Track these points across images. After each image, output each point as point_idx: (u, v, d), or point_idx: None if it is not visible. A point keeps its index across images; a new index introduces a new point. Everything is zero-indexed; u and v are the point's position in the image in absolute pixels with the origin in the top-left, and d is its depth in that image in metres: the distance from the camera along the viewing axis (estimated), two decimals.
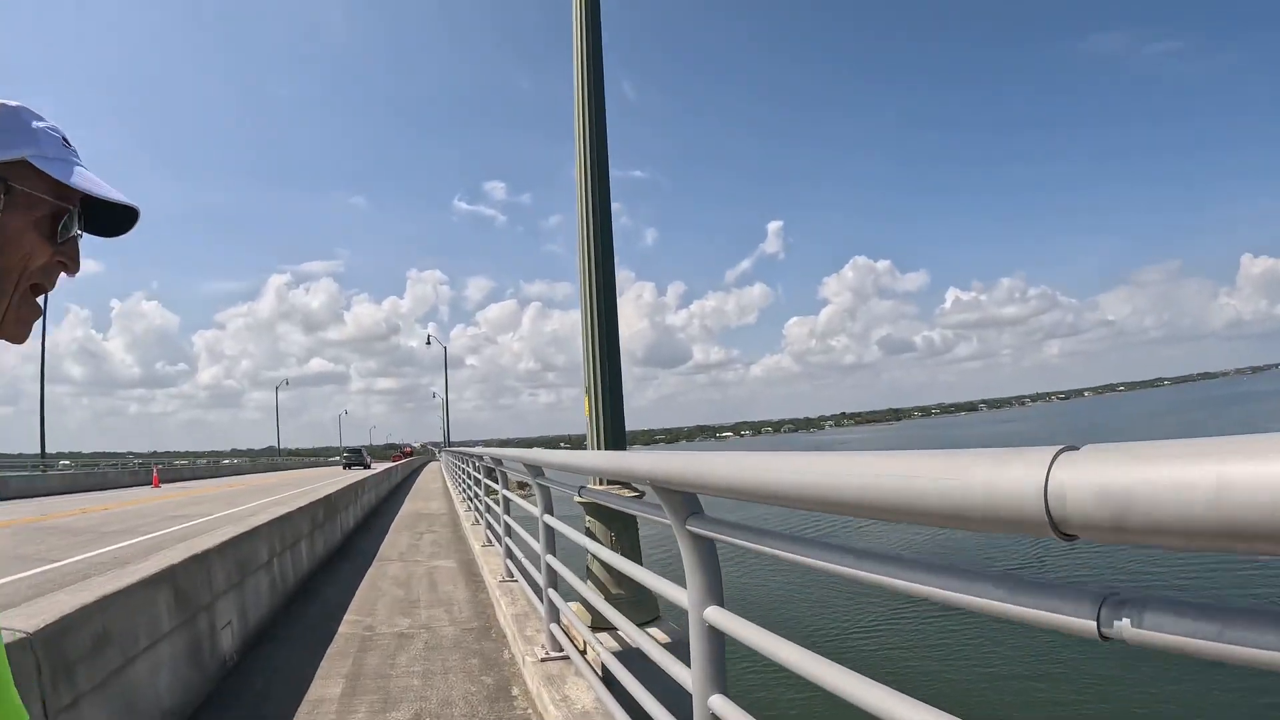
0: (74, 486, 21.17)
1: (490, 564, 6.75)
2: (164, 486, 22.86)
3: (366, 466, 36.44)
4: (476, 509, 10.14)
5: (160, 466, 27.77)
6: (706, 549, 1.76)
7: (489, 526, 7.86)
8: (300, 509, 7.16)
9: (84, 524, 10.00)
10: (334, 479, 18.82)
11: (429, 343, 35.79)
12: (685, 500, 1.79)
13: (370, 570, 7.59)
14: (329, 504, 8.90)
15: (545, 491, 3.95)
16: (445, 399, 39.13)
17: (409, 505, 16.45)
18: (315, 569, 7.43)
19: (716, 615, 1.70)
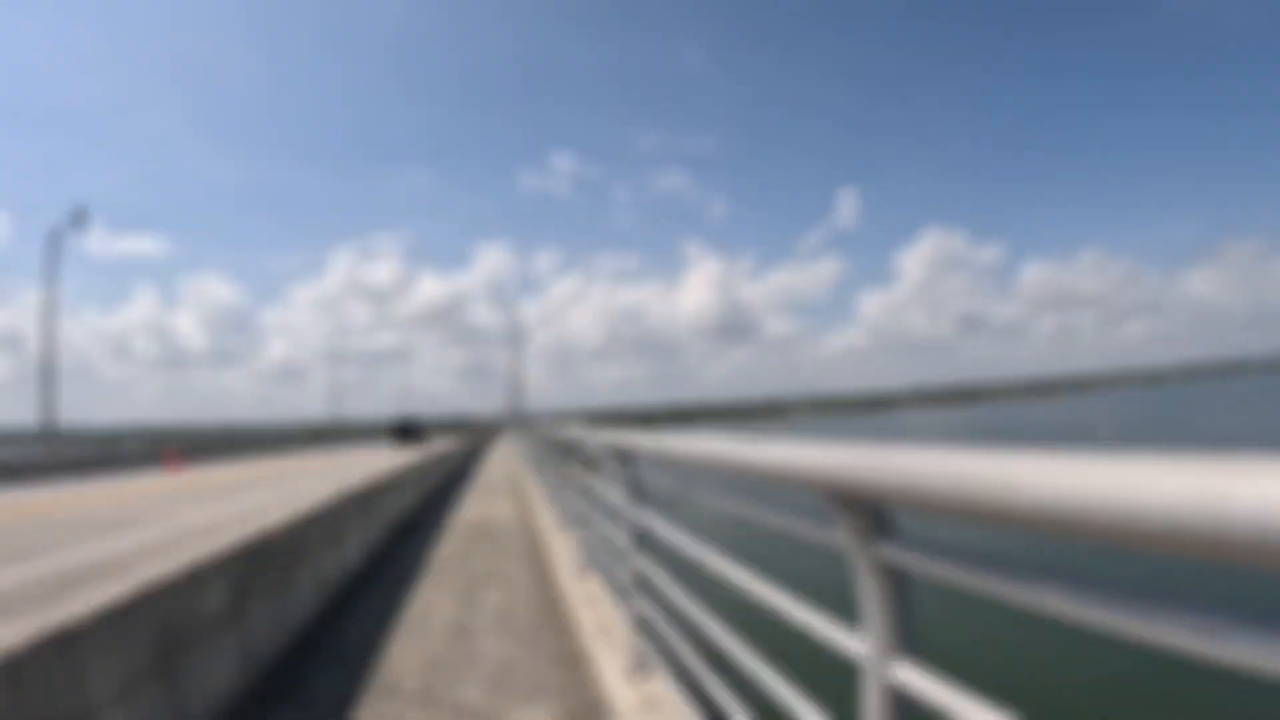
0: (74, 467, 16.75)
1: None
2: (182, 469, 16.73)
3: (421, 442, 29.62)
4: (550, 491, 9.51)
5: (173, 448, 21.18)
6: (897, 584, 1.26)
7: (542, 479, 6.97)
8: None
9: None
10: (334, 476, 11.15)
11: (501, 303, 33.66)
12: (874, 517, 1.27)
13: None
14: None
15: (635, 482, 3.38)
16: (518, 363, 36.16)
17: (466, 509, 10.47)
18: None
19: (909, 677, 1.18)
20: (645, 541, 3.31)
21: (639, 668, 3.33)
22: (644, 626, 3.34)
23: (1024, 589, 0.92)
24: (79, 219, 20.52)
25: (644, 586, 3.34)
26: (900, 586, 1.27)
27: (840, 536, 1.36)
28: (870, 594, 1.29)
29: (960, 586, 1.06)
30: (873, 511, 1.28)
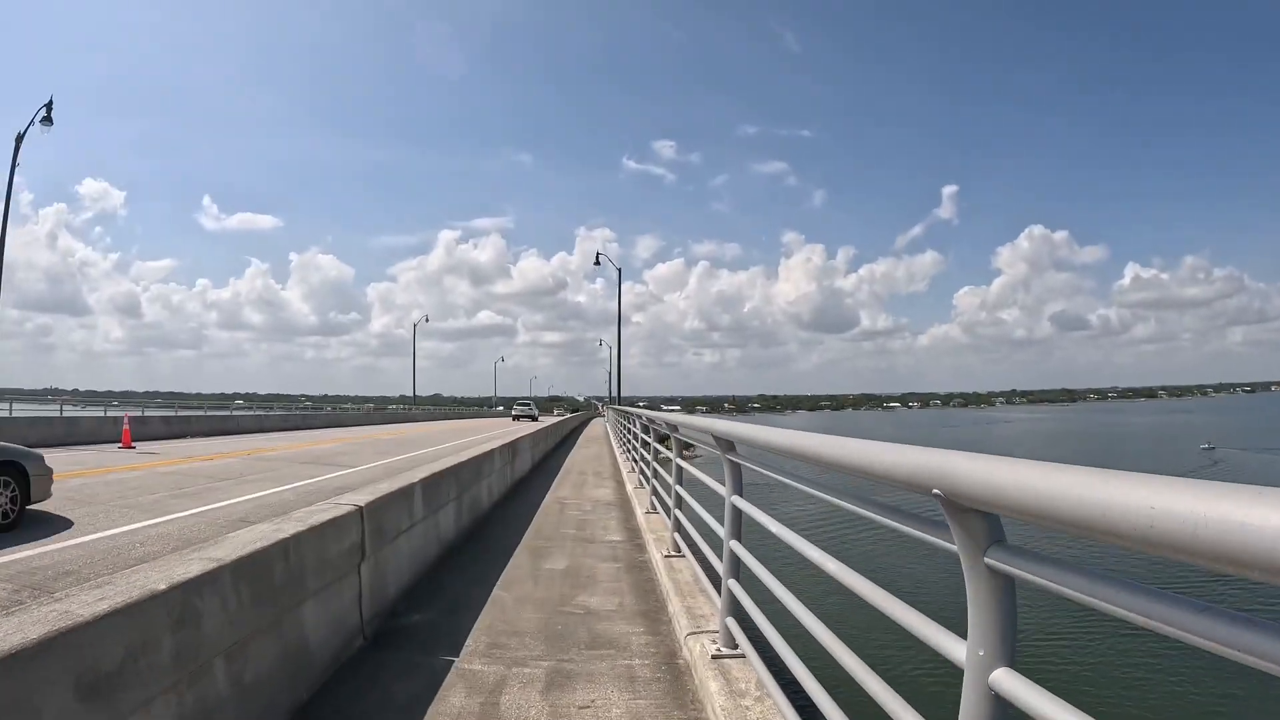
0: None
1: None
2: (244, 442, 16.80)
3: (535, 419, 39.39)
4: (642, 472, 9.90)
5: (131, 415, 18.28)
6: (1005, 591, 1.30)
7: (640, 470, 7.92)
8: None
9: None
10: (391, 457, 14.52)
11: (597, 262, 33.97)
12: (987, 523, 1.32)
13: None
14: None
15: (736, 470, 3.42)
16: (619, 335, 35.22)
17: (555, 492, 10.83)
18: None
19: (1009, 682, 1.24)
20: (740, 526, 3.41)
21: (674, 550, 3.55)
22: (680, 528, 3.74)
23: (1127, 606, 0.96)
24: (47, 116, 20.14)
25: (680, 503, 3.71)
26: (1007, 593, 1.30)
27: (955, 539, 1.39)
28: (978, 598, 1.32)
29: (1069, 599, 1.10)
30: (985, 518, 1.30)
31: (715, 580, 4.20)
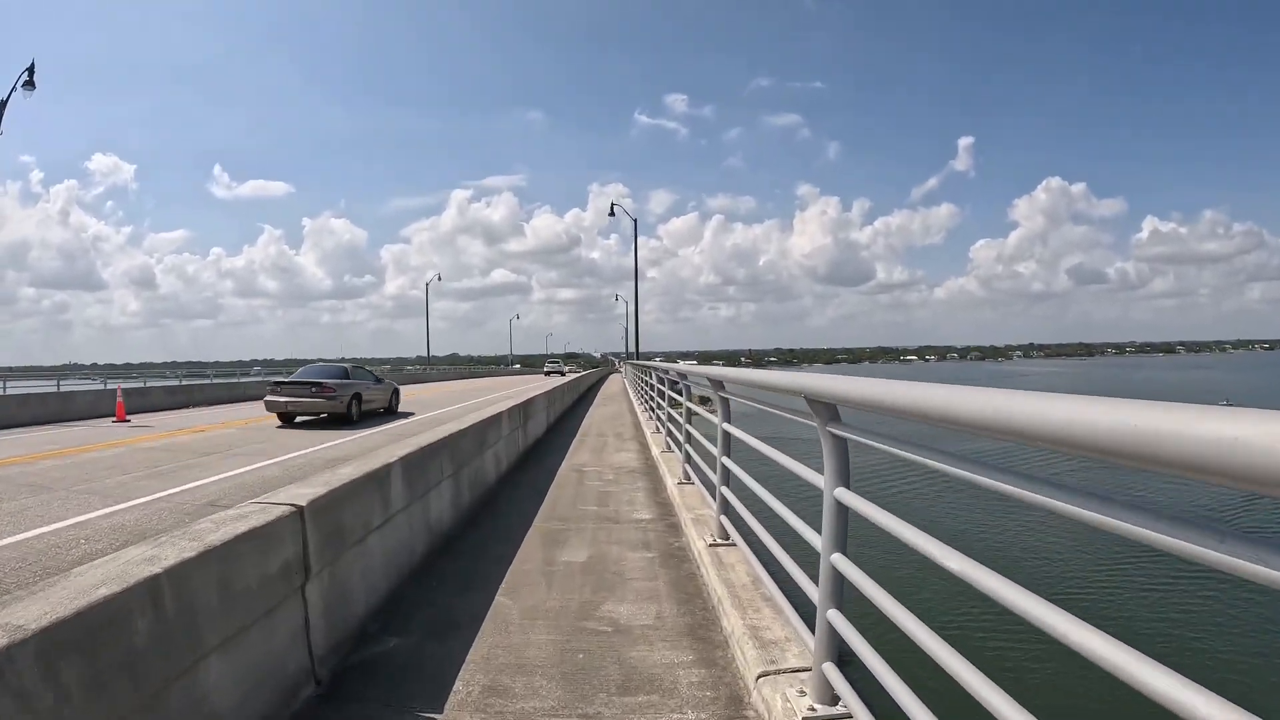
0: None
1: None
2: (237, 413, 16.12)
3: (563, 375, 45.35)
4: (659, 420, 9.52)
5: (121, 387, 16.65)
6: (841, 446, 2.28)
7: (670, 434, 8.52)
8: None
9: None
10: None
11: (612, 213, 32.29)
12: (828, 409, 2.26)
13: None
14: None
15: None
16: (635, 294, 33.36)
17: (573, 458, 9.56)
18: None
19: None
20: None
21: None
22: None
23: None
24: (29, 80, 20.22)
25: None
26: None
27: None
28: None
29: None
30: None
31: (786, 586, 3.10)
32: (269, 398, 13.89)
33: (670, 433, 8.83)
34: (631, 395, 21.38)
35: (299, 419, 14.11)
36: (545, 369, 65.31)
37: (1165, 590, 8.48)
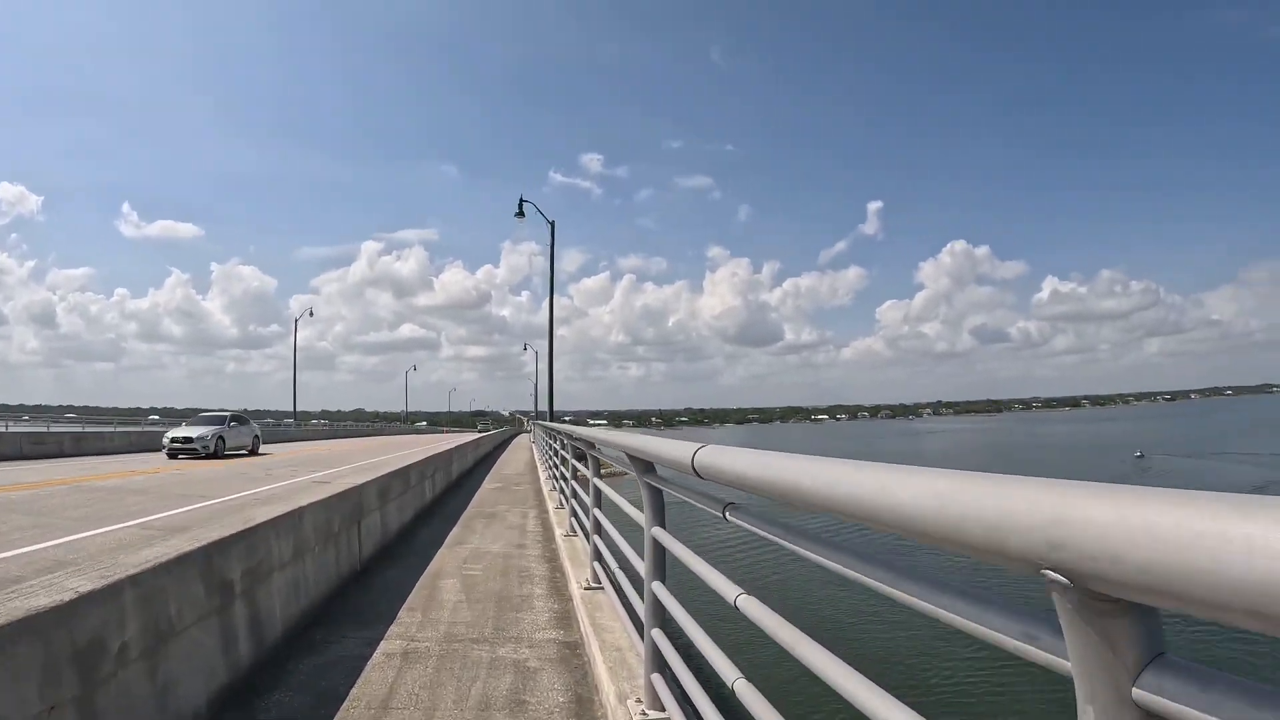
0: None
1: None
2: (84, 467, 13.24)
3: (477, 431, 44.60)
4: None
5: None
6: (656, 494, 2.81)
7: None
8: None
9: None
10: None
11: (520, 213, 22.20)
12: (645, 464, 2.73)
13: None
14: None
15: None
16: (551, 324, 22.17)
17: (451, 549, 8.16)
18: None
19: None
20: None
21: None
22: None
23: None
24: None
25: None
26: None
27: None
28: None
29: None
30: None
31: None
32: None
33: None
34: (539, 465, 18.39)
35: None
36: (479, 428, 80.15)
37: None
